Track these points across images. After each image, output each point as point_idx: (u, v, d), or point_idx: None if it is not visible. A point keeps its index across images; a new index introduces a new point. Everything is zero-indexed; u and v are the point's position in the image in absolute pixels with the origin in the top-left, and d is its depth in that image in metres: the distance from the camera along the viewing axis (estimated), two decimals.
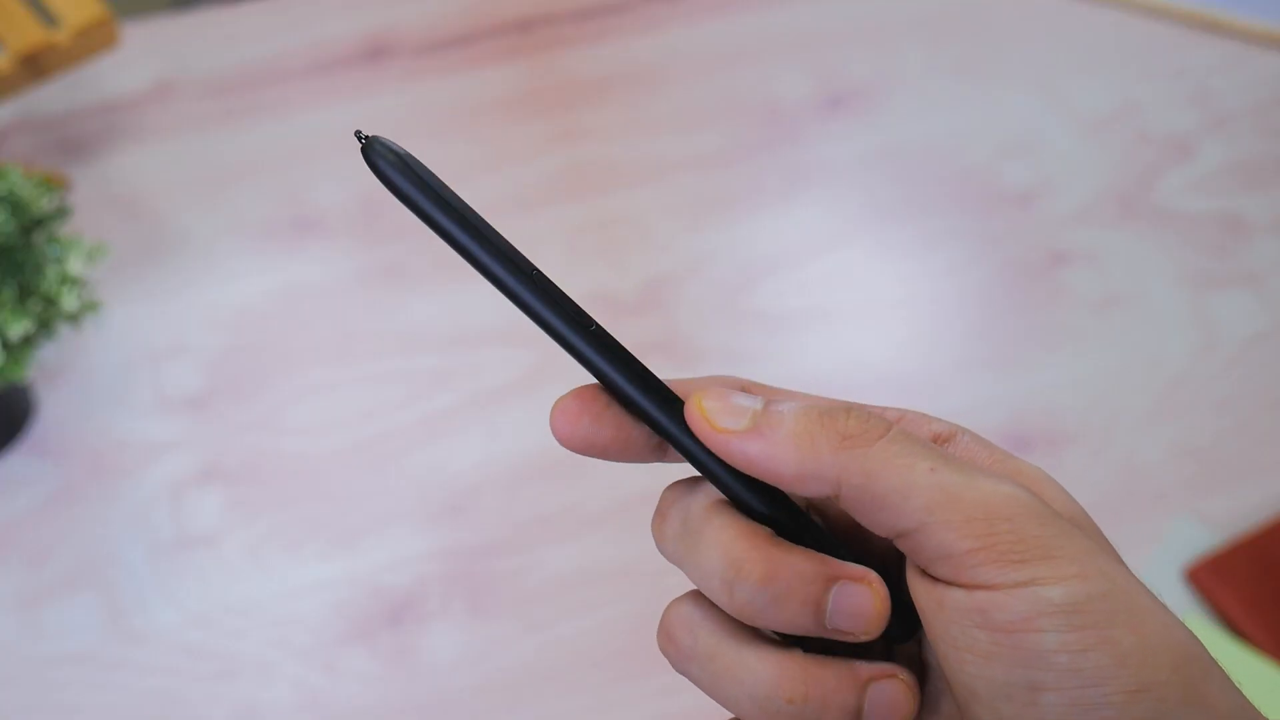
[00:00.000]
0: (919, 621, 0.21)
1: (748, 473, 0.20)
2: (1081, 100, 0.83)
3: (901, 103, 0.83)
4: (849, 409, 0.20)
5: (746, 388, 0.24)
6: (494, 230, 0.22)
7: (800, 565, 0.20)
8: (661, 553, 0.23)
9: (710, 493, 0.22)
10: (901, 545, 0.19)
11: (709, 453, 0.21)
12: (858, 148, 0.80)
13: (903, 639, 0.22)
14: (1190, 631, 0.18)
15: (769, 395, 0.24)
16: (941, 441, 0.22)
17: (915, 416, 0.22)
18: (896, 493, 0.18)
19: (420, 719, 0.58)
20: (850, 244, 0.76)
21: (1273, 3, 0.86)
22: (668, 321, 0.72)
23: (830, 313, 0.72)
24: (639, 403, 0.22)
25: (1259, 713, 0.18)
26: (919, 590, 0.19)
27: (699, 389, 0.21)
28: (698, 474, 0.22)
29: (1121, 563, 0.19)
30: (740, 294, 0.73)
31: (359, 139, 0.22)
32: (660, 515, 0.23)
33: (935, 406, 0.70)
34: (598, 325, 0.22)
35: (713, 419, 0.20)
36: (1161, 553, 0.62)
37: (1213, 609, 0.59)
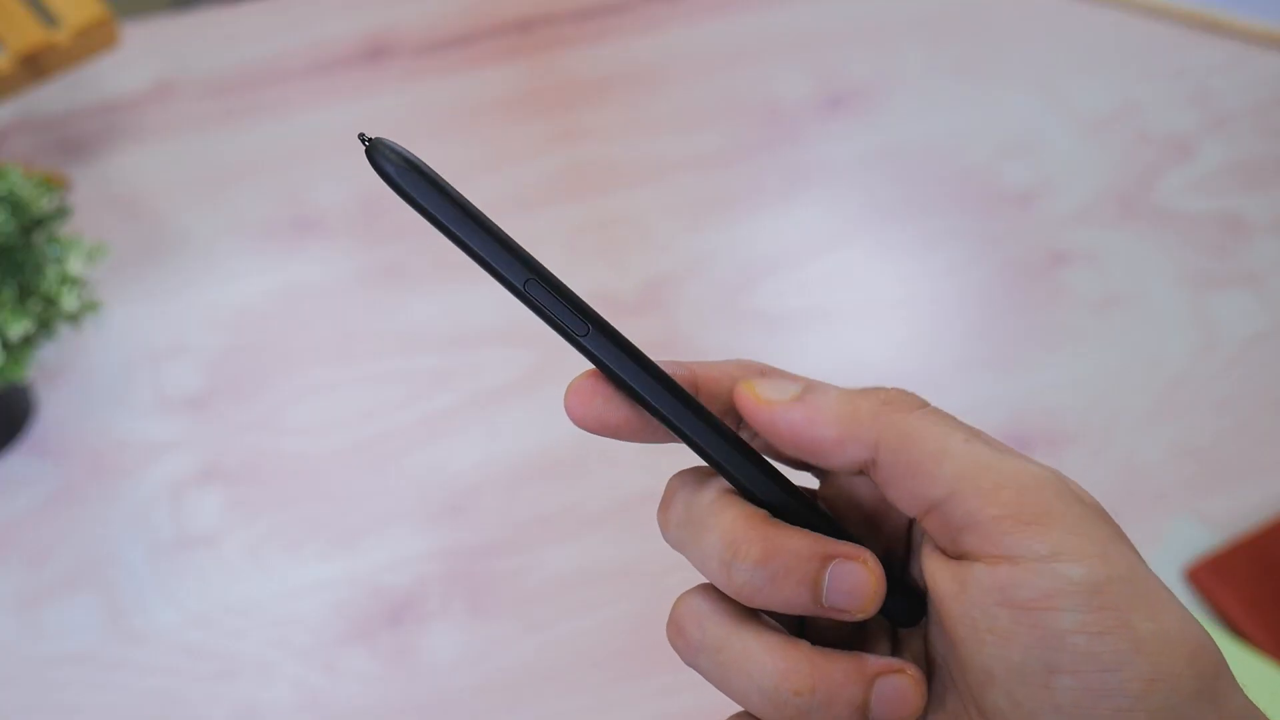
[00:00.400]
0: (924, 608, 0.21)
1: (790, 443, 0.21)
2: (1081, 100, 0.83)
3: (901, 103, 0.83)
4: (884, 387, 0.21)
5: (764, 372, 0.24)
6: (499, 229, 0.22)
7: (797, 544, 0.20)
8: (665, 539, 0.23)
9: (715, 484, 0.22)
10: (927, 522, 0.19)
11: (717, 440, 0.22)
12: (858, 148, 0.80)
13: (908, 623, 0.22)
14: (1204, 627, 0.18)
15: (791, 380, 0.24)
16: None
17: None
18: (931, 457, 0.19)
19: (420, 719, 0.58)
20: (850, 244, 0.76)
21: (1273, 3, 0.86)
22: (668, 321, 0.72)
23: (830, 313, 0.72)
24: (642, 395, 0.22)
25: (1265, 717, 0.18)
26: (940, 574, 0.19)
27: (743, 378, 0.22)
28: (703, 464, 0.23)
29: (1140, 556, 0.19)
30: (740, 294, 0.73)
31: (363, 141, 0.22)
32: (665, 503, 0.23)
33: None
34: (603, 320, 0.23)
35: (758, 391, 0.21)
36: (1161, 553, 0.62)
37: (1212, 609, 0.59)
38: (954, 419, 0.20)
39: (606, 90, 0.84)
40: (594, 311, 0.23)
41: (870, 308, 0.73)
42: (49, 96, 0.83)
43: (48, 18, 0.71)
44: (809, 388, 0.21)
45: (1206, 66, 0.84)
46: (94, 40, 0.71)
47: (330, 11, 0.89)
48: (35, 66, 0.70)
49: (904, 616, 0.22)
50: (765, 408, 0.21)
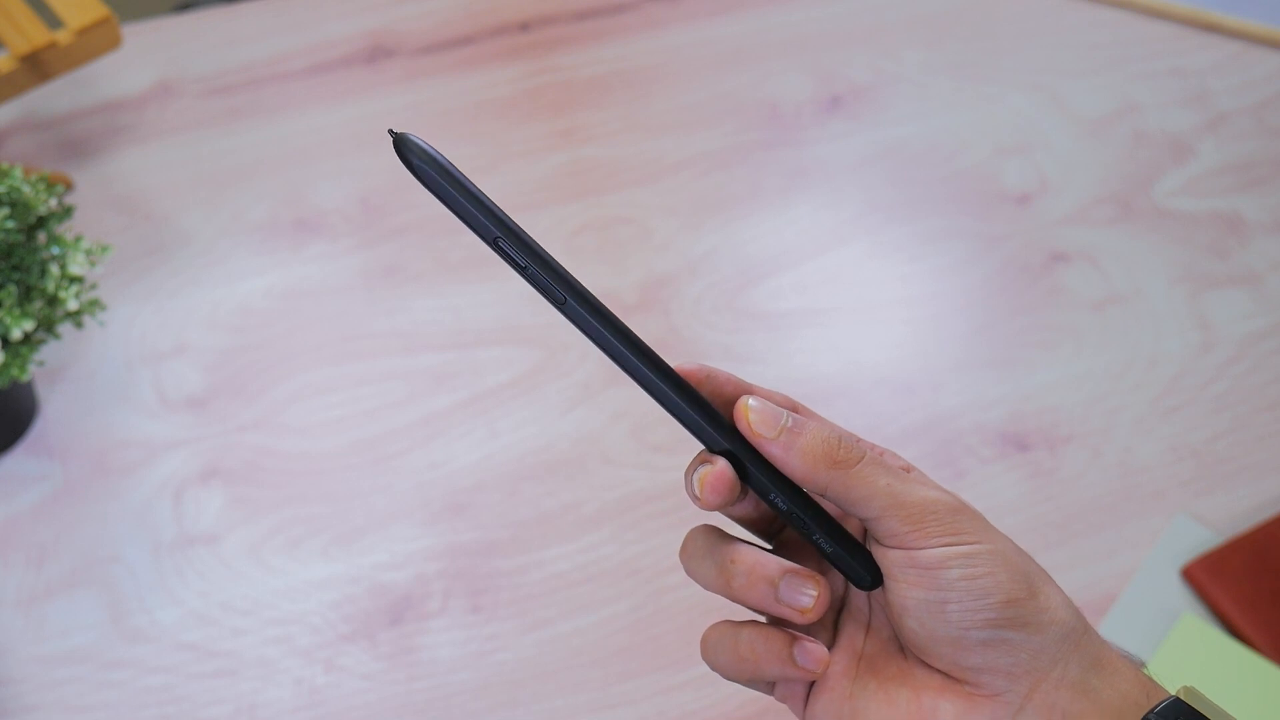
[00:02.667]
0: (881, 579, 0.30)
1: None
2: (1081, 100, 0.83)
3: (901, 103, 0.83)
4: (840, 439, 0.29)
5: (795, 406, 0.31)
6: (514, 221, 0.27)
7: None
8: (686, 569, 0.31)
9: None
10: (867, 526, 0.29)
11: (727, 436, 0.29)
12: (857, 148, 0.80)
13: (873, 587, 0.30)
14: (1033, 560, 0.29)
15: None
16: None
17: (890, 454, 0.32)
18: (863, 500, 0.28)
19: (420, 718, 0.58)
20: (849, 244, 0.76)
21: (1272, 3, 0.86)
22: (668, 321, 0.72)
23: (830, 313, 0.73)
24: (655, 383, 0.29)
25: (1079, 611, 0.28)
26: (878, 553, 0.29)
27: (746, 398, 0.29)
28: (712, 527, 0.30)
29: (1002, 535, 0.29)
30: (740, 294, 0.73)
31: (390, 134, 0.26)
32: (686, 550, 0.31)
33: (935, 406, 0.70)
34: (608, 310, 0.28)
35: (753, 424, 0.29)
36: (1159, 551, 0.62)
37: (1209, 606, 0.59)
38: (881, 466, 0.28)
39: (606, 90, 0.84)
40: (603, 305, 0.28)
41: (870, 308, 0.73)
42: (51, 97, 0.83)
43: (50, 18, 0.71)
44: (793, 427, 0.28)
45: (1206, 66, 0.84)
46: (96, 41, 0.72)
47: (330, 11, 0.89)
48: (37, 67, 0.71)
49: (870, 580, 0.29)
50: (754, 439, 0.29)
